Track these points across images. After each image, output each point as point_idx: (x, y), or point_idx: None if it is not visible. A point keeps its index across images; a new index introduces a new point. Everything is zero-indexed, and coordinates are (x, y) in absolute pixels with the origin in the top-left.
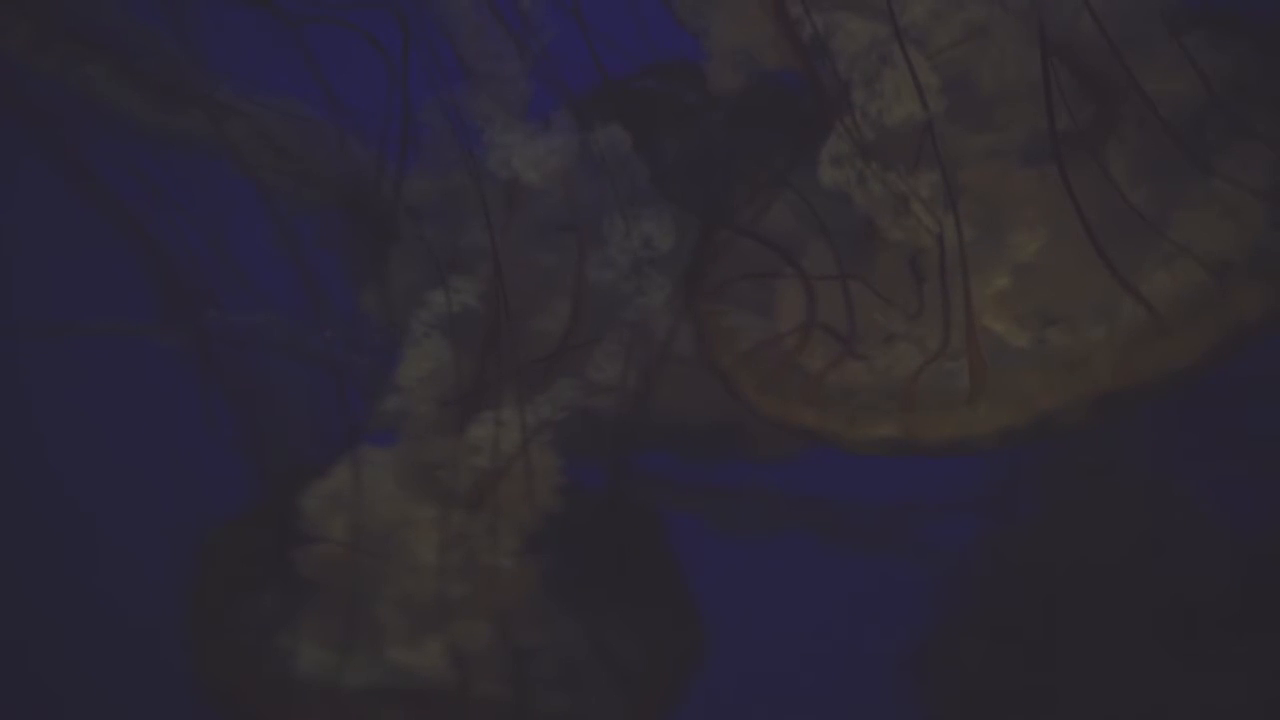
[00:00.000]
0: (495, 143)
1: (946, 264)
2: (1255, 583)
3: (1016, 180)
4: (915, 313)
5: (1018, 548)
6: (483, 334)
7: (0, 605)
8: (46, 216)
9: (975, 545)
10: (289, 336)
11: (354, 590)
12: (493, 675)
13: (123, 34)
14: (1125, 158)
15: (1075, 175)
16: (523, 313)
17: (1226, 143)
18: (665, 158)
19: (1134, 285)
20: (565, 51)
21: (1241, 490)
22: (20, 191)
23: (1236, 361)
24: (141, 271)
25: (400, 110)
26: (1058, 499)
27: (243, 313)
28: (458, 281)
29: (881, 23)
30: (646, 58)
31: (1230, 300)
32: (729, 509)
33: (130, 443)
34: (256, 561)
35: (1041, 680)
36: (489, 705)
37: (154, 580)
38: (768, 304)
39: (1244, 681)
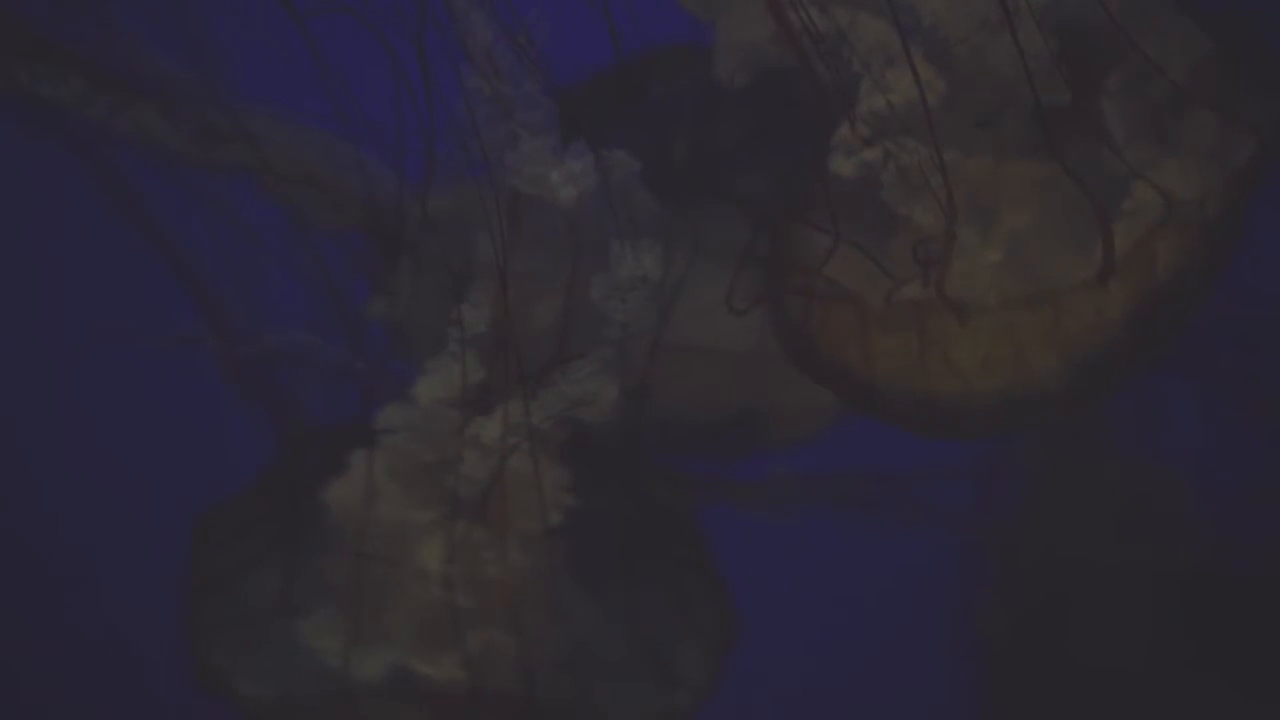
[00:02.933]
0: (526, 159)
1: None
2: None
3: (1013, 161)
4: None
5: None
6: (489, 345)
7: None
8: (91, 239)
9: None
10: (319, 358)
11: (365, 594)
12: (508, 672)
13: (160, 78)
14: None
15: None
16: (525, 325)
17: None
18: (680, 151)
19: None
20: (566, 48)
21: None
22: (66, 215)
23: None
24: (178, 291)
25: (419, 127)
26: (1045, 478)
27: (273, 333)
28: (472, 296)
29: (894, 19)
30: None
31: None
32: (748, 494)
33: (143, 435)
34: (256, 542)
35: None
36: (505, 700)
37: (159, 570)
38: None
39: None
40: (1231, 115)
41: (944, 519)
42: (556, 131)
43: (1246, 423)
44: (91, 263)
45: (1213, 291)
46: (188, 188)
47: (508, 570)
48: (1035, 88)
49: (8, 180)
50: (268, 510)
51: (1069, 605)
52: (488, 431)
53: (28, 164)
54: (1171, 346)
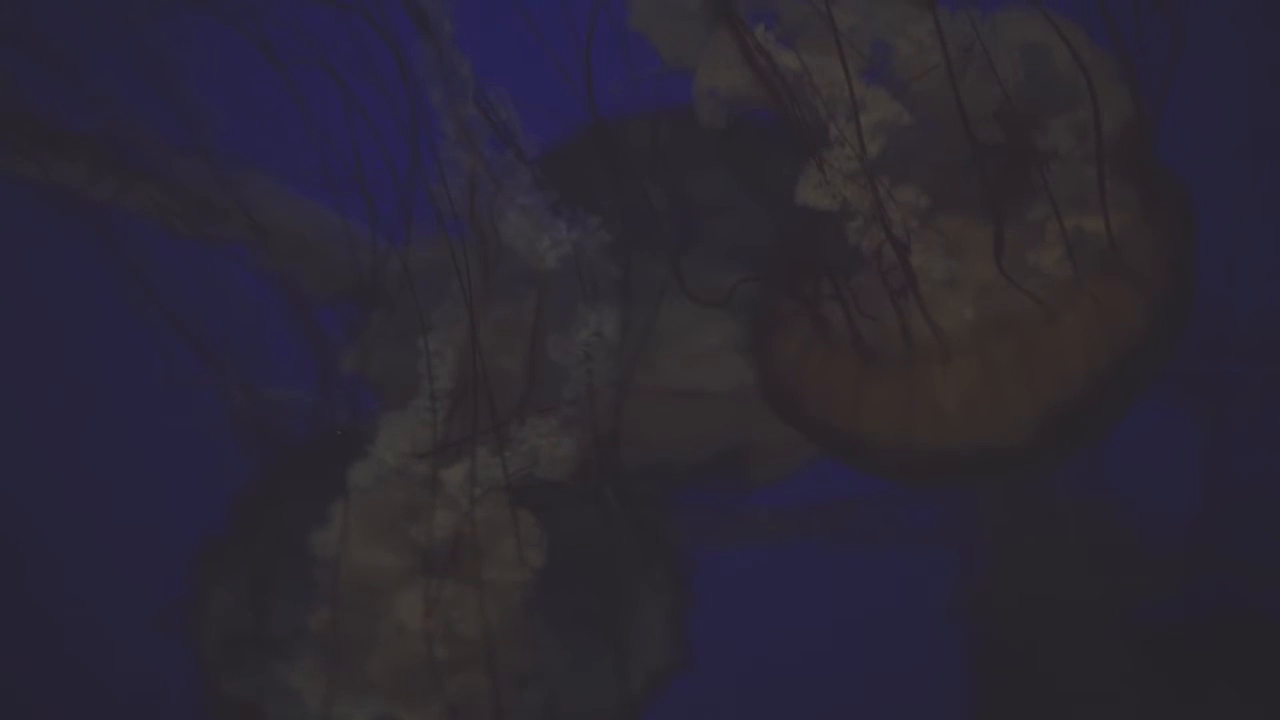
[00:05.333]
0: (520, 219)
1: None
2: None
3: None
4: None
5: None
6: (458, 396)
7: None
8: (94, 304)
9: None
10: (305, 409)
11: (347, 643)
12: (488, 714)
13: (161, 157)
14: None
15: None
16: (494, 378)
17: None
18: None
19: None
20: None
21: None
22: (70, 281)
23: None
24: (179, 345)
25: (397, 184)
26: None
27: (266, 389)
28: (442, 348)
29: (860, 63)
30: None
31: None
32: (731, 528)
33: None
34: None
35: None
36: None
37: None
38: None
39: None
40: (1152, 173)
41: (922, 541)
42: (544, 194)
43: (1210, 443)
44: (97, 323)
45: (1177, 341)
46: (188, 250)
47: (482, 617)
48: (974, 133)
49: (20, 250)
50: (254, 546)
51: (1045, 635)
52: (454, 482)
53: (39, 234)
54: (1141, 394)
